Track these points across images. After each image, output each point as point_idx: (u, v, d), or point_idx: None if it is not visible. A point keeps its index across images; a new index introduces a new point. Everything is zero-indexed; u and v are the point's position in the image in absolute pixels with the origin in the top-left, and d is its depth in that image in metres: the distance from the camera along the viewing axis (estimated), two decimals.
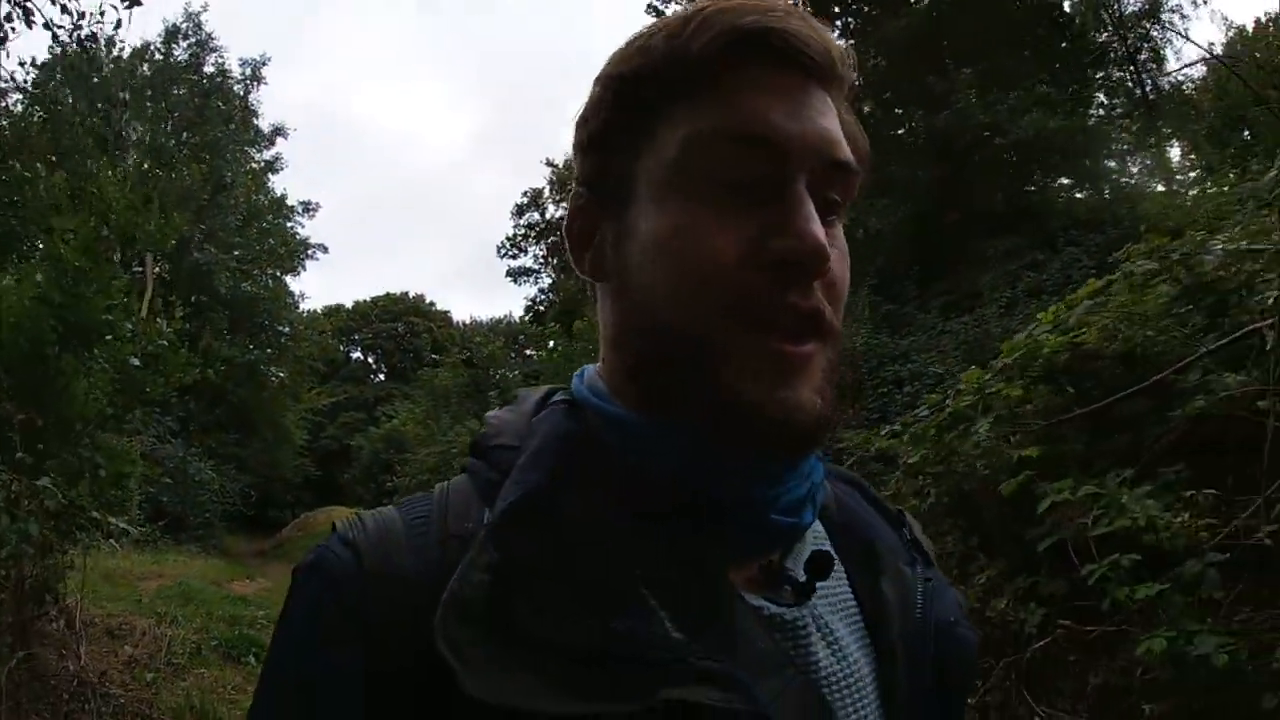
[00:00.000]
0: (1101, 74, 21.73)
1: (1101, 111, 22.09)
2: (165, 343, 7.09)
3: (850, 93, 0.75)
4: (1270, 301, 3.61)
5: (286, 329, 27.17)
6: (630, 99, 0.71)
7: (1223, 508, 3.44)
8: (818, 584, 0.73)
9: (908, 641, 0.77)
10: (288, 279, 29.64)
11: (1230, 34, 22.31)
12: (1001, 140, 15.42)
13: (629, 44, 0.73)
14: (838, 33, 14.49)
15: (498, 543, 0.63)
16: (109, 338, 6.17)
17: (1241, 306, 4.19)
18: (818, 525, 0.79)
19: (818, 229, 0.65)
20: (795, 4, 0.71)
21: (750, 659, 0.65)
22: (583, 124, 0.76)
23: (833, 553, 0.76)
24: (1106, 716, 3.53)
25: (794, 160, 0.67)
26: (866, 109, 17.99)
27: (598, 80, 0.75)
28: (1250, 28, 22.40)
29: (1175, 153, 21.76)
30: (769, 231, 0.66)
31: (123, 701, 6.22)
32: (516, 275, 35.83)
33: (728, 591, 0.69)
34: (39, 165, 7.01)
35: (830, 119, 0.70)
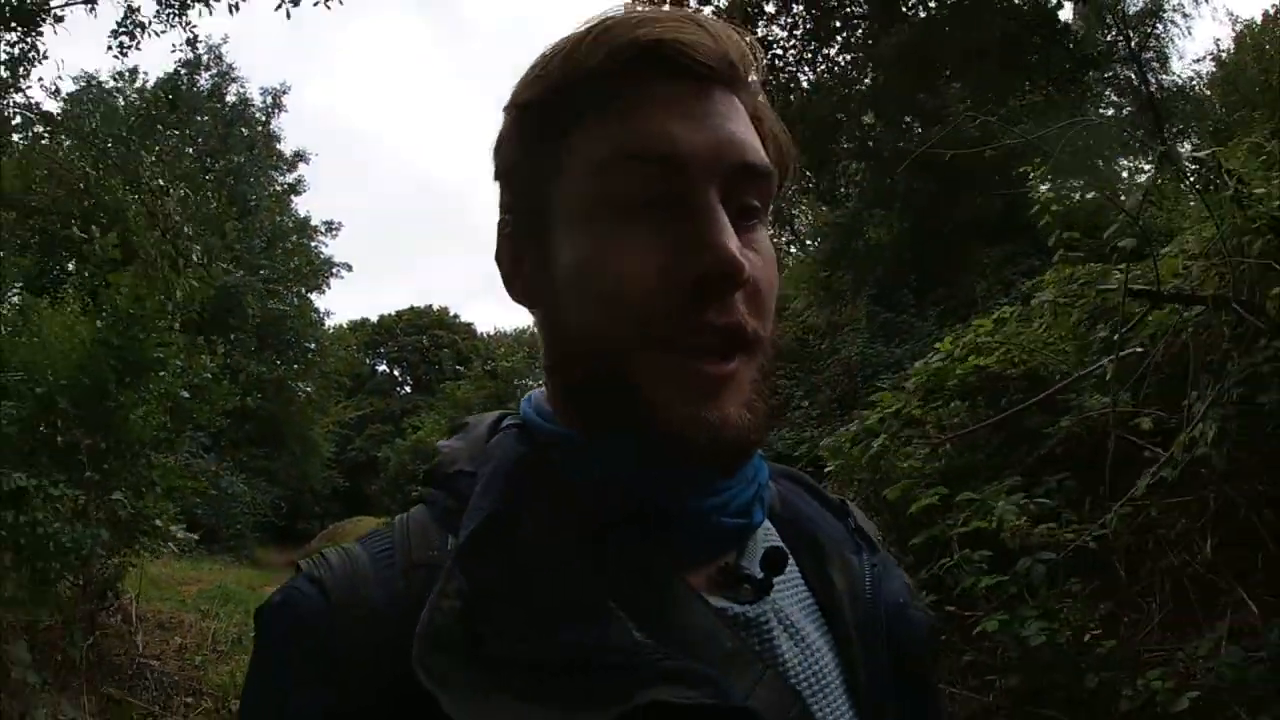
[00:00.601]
0: (1110, 73, 22.05)
1: (1111, 112, 22.47)
2: (209, 375, 8.17)
3: (761, 90, 0.76)
4: (1115, 338, 4.29)
5: (313, 345, 27.81)
6: (534, 127, 0.72)
7: (1061, 513, 4.07)
8: (775, 579, 0.75)
9: (861, 627, 0.80)
10: (313, 296, 30.36)
11: (1238, 28, 22.41)
12: (994, 151, 15.87)
13: (531, 69, 0.74)
14: (838, 47, 14.85)
15: (464, 569, 0.65)
16: (161, 373, 7.23)
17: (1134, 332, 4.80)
18: (768, 523, 0.81)
19: (729, 240, 0.65)
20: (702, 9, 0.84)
21: (719, 659, 0.67)
22: (496, 153, 0.78)
23: (784, 548, 0.78)
24: (974, 689, 4.10)
25: (700, 172, 0.67)
26: (867, 121, 18.49)
27: (505, 109, 0.76)
28: (1259, 20, 22.43)
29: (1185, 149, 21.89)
30: (682, 249, 0.66)
31: (177, 680, 7.34)
32: None
33: (688, 595, 0.70)
34: (94, 227, 8.07)
35: (736, 122, 0.70)
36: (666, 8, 0.71)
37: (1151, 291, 4.24)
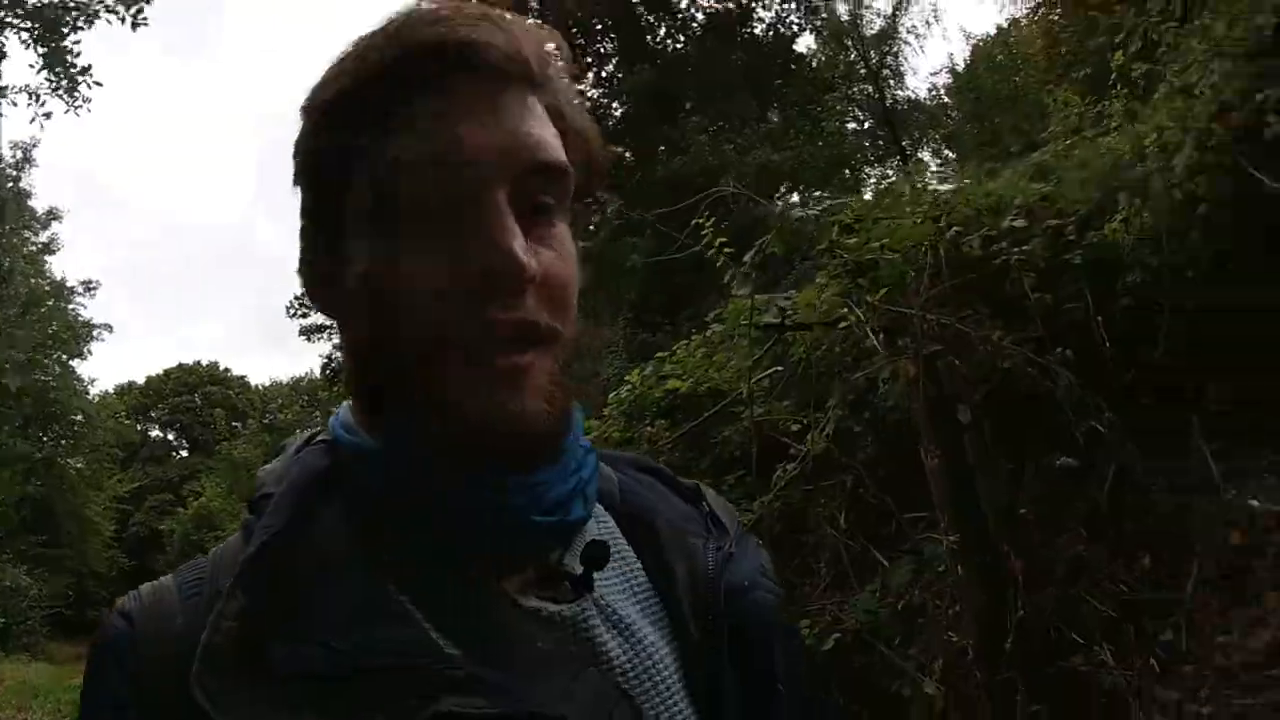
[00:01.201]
0: (852, 90, 24.37)
1: (853, 126, 24.84)
2: None
3: (572, 83, 0.77)
4: (748, 362, 5.64)
5: (79, 416, 26.73)
6: (328, 130, 0.71)
7: (739, 503, 4.97)
8: (605, 573, 0.76)
9: (700, 612, 0.80)
10: (75, 363, 28.98)
11: (973, 42, 25.16)
12: (728, 177, 17.41)
13: (327, 70, 0.73)
14: (589, 84, 16.03)
15: (244, 588, 0.65)
16: None
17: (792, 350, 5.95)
18: (605, 517, 0.82)
19: (512, 240, 0.66)
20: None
21: (531, 662, 0.68)
22: (294, 157, 0.76)
23: (610, 540, 0.79)
24: None
25: (486, 173, 0.67)
26: (625, 153, 19.87)
27: (301, 111, 0.75)
28: (993, 33, 25.00)
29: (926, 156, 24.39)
30: (467, 250, 0.66)
31: None
32: (309, 333, 35.52)
33: (498, 599, 0.71)
34: None
35: (529, 121, 0.70)
36: (466, 4, 0.72)
37: (776, 324, 5.71)
